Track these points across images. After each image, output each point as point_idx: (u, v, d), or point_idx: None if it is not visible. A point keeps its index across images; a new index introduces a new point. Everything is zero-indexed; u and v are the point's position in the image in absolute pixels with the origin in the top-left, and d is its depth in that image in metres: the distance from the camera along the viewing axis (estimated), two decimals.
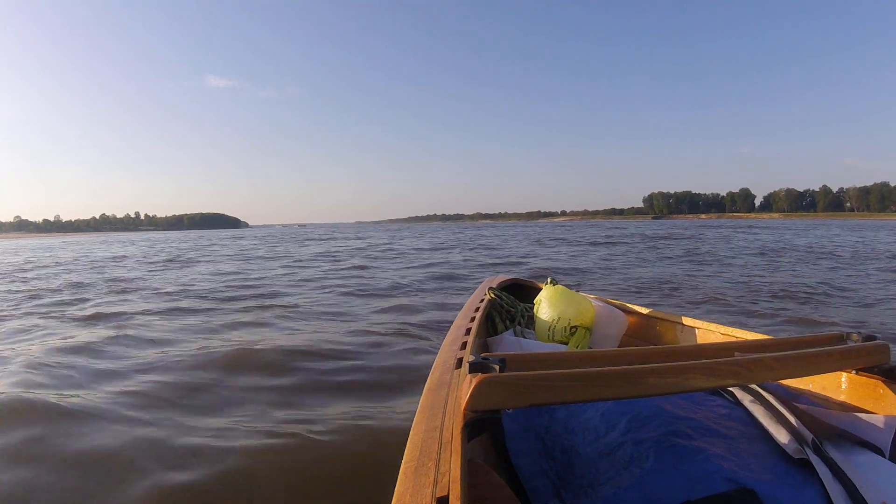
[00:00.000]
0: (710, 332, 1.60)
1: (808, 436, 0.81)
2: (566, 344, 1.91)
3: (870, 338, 1.01)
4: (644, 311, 2.01)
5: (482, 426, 0.69)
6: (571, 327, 1.94)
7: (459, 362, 1.01)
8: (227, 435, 1.88)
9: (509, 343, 1.70)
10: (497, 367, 0.70)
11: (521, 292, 2.56)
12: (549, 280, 2.23)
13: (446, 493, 0.52)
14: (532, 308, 2.12)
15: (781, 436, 0.84)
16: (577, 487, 0.80)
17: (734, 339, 1.37)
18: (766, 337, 1.21)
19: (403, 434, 0.73)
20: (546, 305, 2.01)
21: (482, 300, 2.01)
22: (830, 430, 0.85)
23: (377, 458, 1.67)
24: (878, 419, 0.88)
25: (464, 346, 1.19)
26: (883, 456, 0.80)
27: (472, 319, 1.57)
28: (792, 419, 0.86)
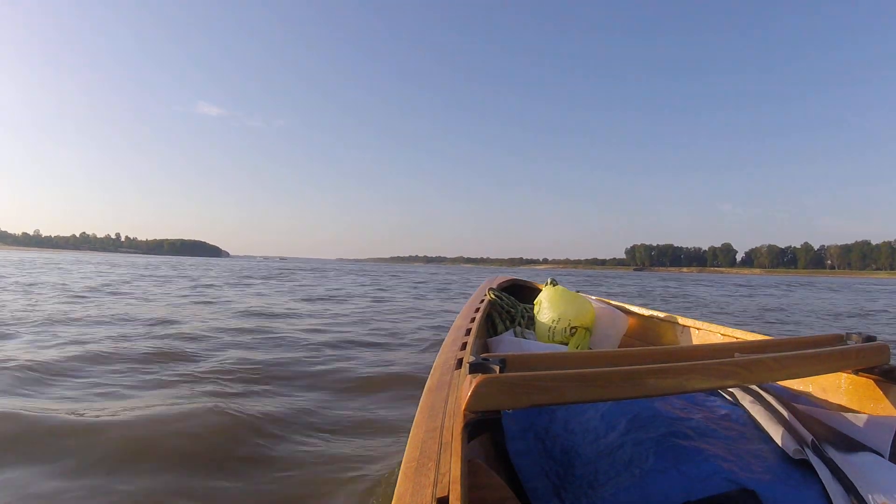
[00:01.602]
0: (709, 332, 1.60)
1: (808, 436, 0.81)
2: (566, 344, 1.91)
3: (869, 338, 1.01)
4: (644, 311, 2.02)
5: (482, 426, 0.69)
6: (571, 328, 1.94)
7: (459, 363, 1.01)
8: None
9: (509, 344, 1.70)
10: (497, 368, 0.70)
11: (521, 293, 2.56)
12: (549, 281, 2.23)
13: (446, 494, 0.52)
14: (532, 309, 2.12)
15: (781, 436, 0.84)
16: (577, 487, 0.80)
17: (734, 340, 1.37)
18: (766, 337, 1.21)
19: (404, 434, 0.73)
20: (546, 306, 2.01)
21: (482, 301, 2.01)
22: (830, 430, 0.85)
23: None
24: (877, 419, 0.88)
25: (464, 346, 1.19)
26: (882, 456, 0.80)
27: (473, 320, 1.57)
28: (792, 419, 0.86)
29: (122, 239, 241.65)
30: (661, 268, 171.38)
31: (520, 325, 2.05)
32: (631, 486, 0.74)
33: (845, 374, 1.06)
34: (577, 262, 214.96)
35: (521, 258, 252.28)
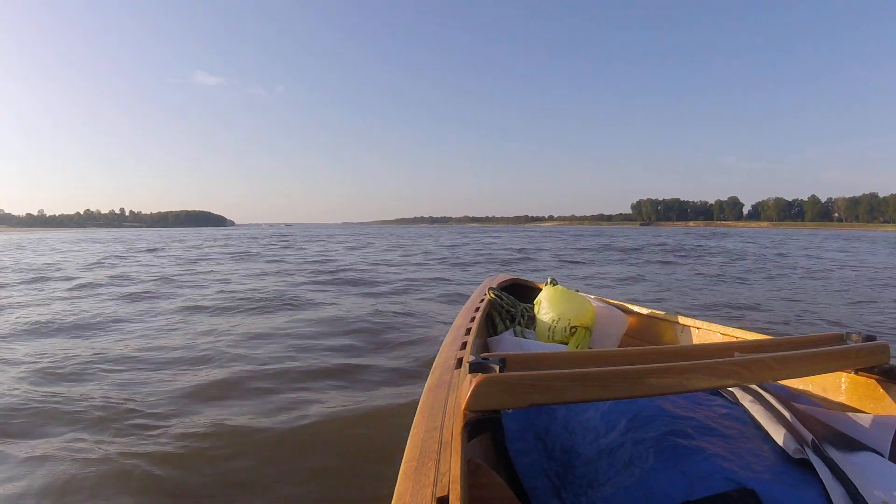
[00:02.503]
0: (710, 332, 1.60)
1: (808, 436, 0.81)
2: (566, 344, 1.91)
3: (870, 338, 1.01)
4: (644, 311, 2.02)
5: (482, 426, 0.69)
6: (571, 327, 1.94)
7: (459, 362, 1.01)
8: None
9: (509, 343, 1.70)
10: (497, 367, 0.70)
11: (521, 292, 2.56)
12: (549, 280, 2.23)
13: (446, 493, 0.52)
14: (532, 308, 2.12)
15: (781, 436, 0.84)
16: (577, 487, 0.80)
17: (734, 339, 1.37)
18: (766, 337, 1.21)
19: (403, 434, 0.73)
20: (546, 306, 2.01)
21: (482, 300, 2.01)
22: (830, 430, 0.85)
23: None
24: (878, 419, 0.88)
25: (464, 346, 1.19)
26: (883, 456, 0.80)
27: (472, 319, 1.57)
28: (792, 419, 0.86)
29: (127, 213, 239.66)
30: (667, 222, 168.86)
31: (520, 324, 2.05)
32: (631, 486, 0.74)
33: (845, 374, 1.06)
34: (582, 219, 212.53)
35: (527, 216, 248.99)
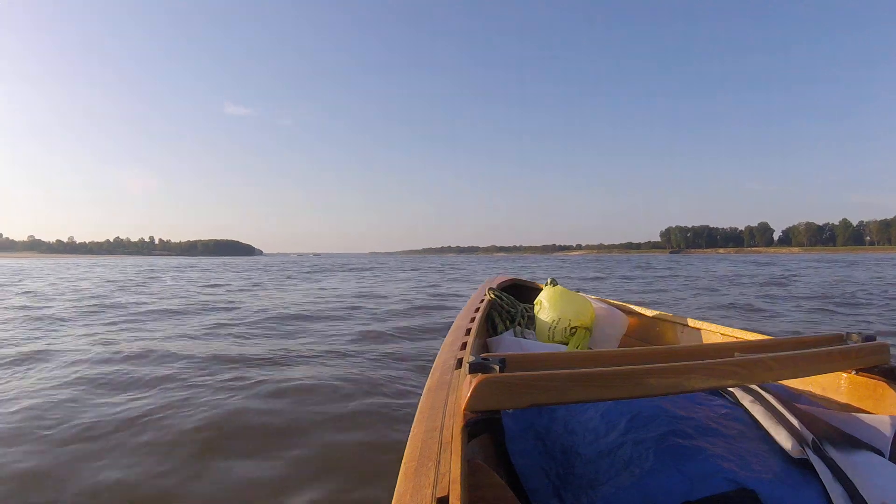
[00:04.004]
0: (710, 332, 1.60)
1: (808, 436, 0.81)
2: (566, 344, 1.91)
3: (870, 338, 1.01)
4: (644, 311, 2.01)
5: (482, 426, 0.69)
6: (571, 328, 1.94)
7: (459, 363, 1.01)
8: None
9: (509, 343, 1.70)
10: (497, 368, 0.70)
11: (521, 293, 2.56)
12: (549, 281, 2.23)
13: (446, 494, 0.52)
14: (532, 308, 2.12)
15: (781, 436, 0.83)
16: (577, 487, 0.80)
17: (734, 339, 1.37)
18: (766, 337, 1.21)
19: (404, 434, 0.73)
20: (546, 306, 2.01)
21: (482, 301, 2.01)
22: (830, 430, 0.85)
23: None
24: (878, 419, 0.88)
25: (464, 346, 1.19)
26: (883, 456, 0.80)
27: (473, 320, 1.56)
28: (792, 419, 0.86)
29: (156, 242, 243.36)
30: (696, 249, 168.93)
31: (520, 324, 2.05)
32: (631, 486, 0.74)
33: (845, 374, 1.06)
34: (611, 247, 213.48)
35: (555, 245, 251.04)
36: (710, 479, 0.71)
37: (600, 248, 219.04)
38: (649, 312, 1.98)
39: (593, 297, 2.22)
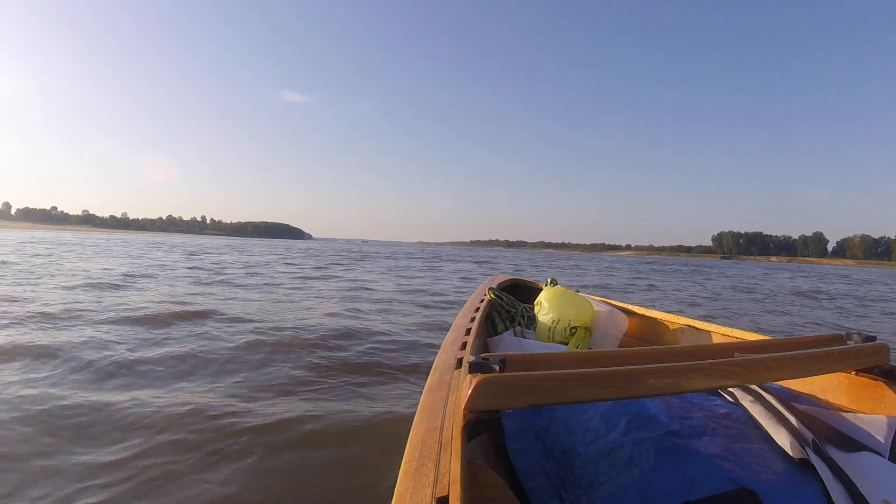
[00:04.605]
0: (710, 332, 1.60)
1: (808, 436, 0.81)
2: (566, 344, 1.91)
3: (870, 338, 1.01)
4: (644, 311, 2.01)
5: (482, 426, 0.69)
6: (571, 328, 1.94)
7: (459, 362, 1.01)
8: None
9: (509, 343, 1.70)
10: (497, 368, 0.70)
11: (521, 293, 2.56)
12: (548, 281, 2.23)
13: (446, 494, 0.52)
14: (532, 308, 2.12)
15: (781, 436, 0.84)
16: (577, 487, 0.80)
17: (734, 340, 1.37)
18: (765, 337, 1.21)
19: (404, 434, 0.73)
20: (546, 306, 2.01)
21: (482, 300, 2.01)
22: (830, 430, 0.85)
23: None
24: (878, 419, 0.88)
25: (464, 346, 1.19)
26: (883, 456, 0.80)
27: (473, 320, 1.56)
28: (792, 419, 0.86)
29: (208, 221, 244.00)
30: (749, 256, 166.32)
31: (520, 324, 2.05)
32: (631, 486, 0.74)
33: (845, 374, 1.06)
34: (661, 249, 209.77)
35: (604, 244, 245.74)
36: (710, 479, 0.71)
37: (650, 249, 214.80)
38: (649, 312, 1.98)
39: (593, 297, 2.22)
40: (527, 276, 3.50)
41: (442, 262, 20.22)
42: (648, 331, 1.96)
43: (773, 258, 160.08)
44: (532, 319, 2.09)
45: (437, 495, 0.52)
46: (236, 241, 67.14)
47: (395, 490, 0.56)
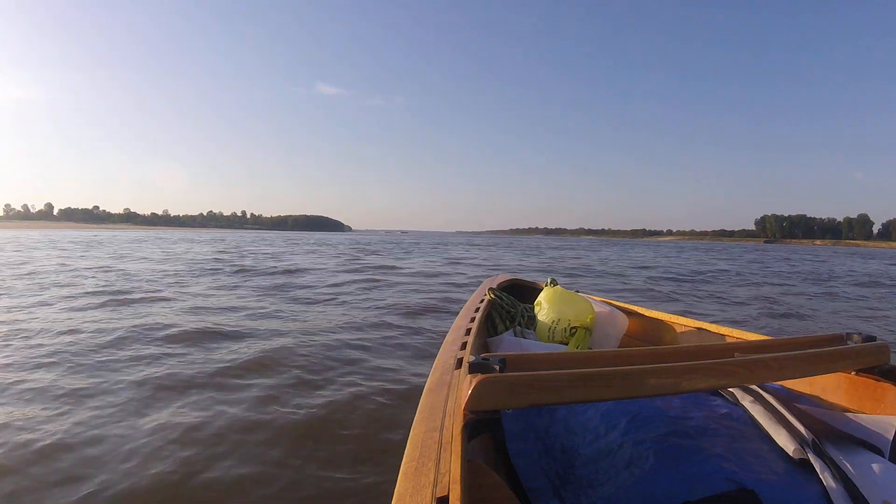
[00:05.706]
0: (710, 332, 1.60)
1: (808, 436, 0.81)
2: (566, 344, 1.91)
3: (870, 338, 1.01)
4: (644, 311, 2.01)
5: (482, 426, 0.69)
6: (571, 328, 1.94)
7: (459, 362, 1.01)
8: None
9: (509, 343, 1.70)
10: (497, 368, 0.70)
11: (521, 293, 2.56)
12: (549, 281, 2.23)
13: (446, 494, 0.52)
14: (532, 308, 2.12)
15: (781, 436, 0.84)
16: (577, 487, 0.80)
17: (734, 340, 1.37)
18: (766, 337, 1.21)
19: (404, 434, 0.73)
20: (546, 306, 2.01)
21: (482, 300, 2.01)
22: (830, 430, 0.85)
23: None
24: (878, 419, 0.88)
25: (464, 346, 1.19)
26: (883, 456, 0.80)
27: (472, 320, 1.56)
28: (792, 419, 0.86)
29: (248, 216, 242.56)
30: (792, 240, 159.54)
31: (520, 325, 2.05)
32: (631, 486, 0.74)
33: (845, 374, 1.06)
34: (703, 234, 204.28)
35: (644, 229, 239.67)
36: (710, 479, 0.71)
37: (692, 234, 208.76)
38: (649, 312, 1.98)
39: (593, 297, 2.22)
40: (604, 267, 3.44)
41: (500, 249, 20.16)
42: (648, 331, 1.96)
43: (818, 241, 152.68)
44: (532, 319, 2.09)
45: (438, 495, 0.52)
46: (292, 234, 67.85)
47: (395, 490, 0.56)
